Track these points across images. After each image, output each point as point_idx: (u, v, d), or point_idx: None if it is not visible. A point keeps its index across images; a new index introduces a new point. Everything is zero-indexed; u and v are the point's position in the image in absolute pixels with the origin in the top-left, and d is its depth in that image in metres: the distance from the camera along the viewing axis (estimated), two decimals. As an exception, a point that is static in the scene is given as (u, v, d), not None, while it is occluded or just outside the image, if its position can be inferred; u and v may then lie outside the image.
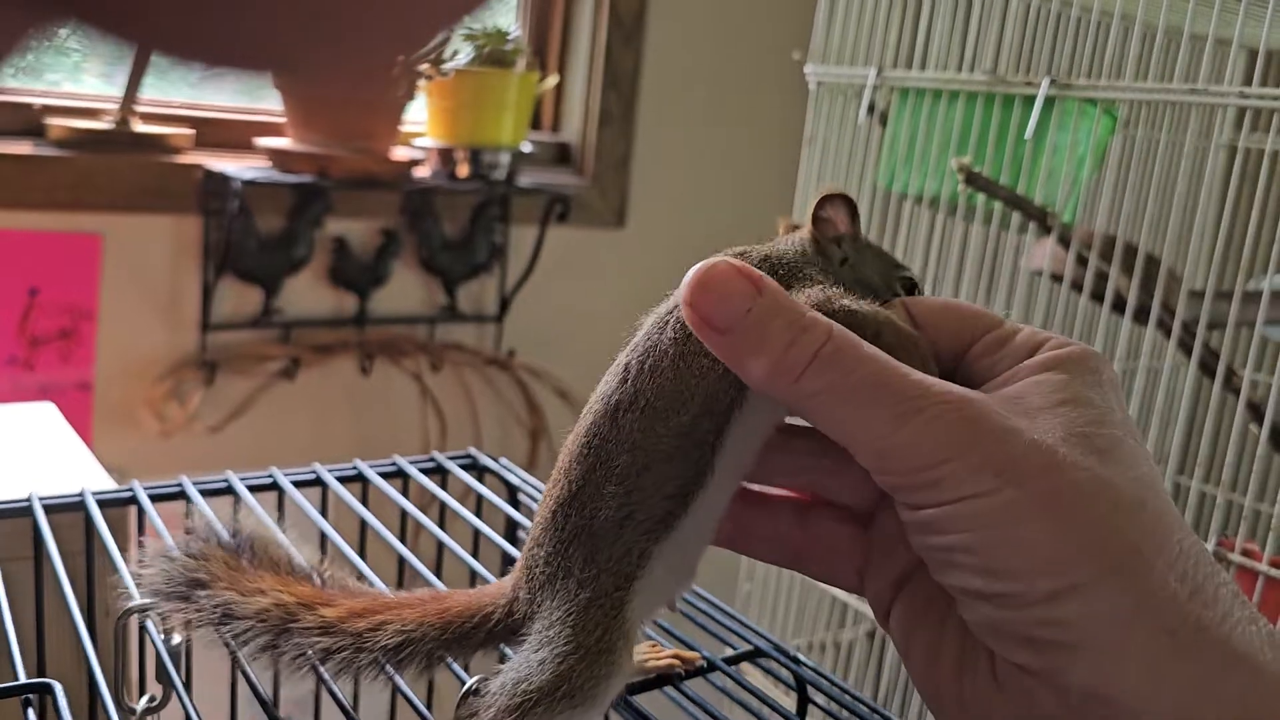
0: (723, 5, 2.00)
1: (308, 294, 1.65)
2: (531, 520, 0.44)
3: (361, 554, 0.66)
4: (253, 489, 0.70)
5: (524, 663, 0.40)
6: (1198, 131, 1.09)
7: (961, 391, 0.33)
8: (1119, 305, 1.03)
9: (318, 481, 0.73)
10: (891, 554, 0.39)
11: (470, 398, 1.81)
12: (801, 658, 0.59)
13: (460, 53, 1.63)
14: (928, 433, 0.32)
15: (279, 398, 1.63)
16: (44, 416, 1.06)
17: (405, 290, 1.74)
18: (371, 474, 0.75)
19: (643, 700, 0.53)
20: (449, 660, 0.45)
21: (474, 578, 0.67)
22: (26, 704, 0.47)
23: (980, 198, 0.98)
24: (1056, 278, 1.11)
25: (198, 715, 0.50)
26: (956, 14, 1.05)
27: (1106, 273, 0.94)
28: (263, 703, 0.52)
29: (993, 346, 0.37)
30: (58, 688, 0.48)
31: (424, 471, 0.78)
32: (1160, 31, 0.95)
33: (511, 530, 0.75)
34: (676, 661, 0.55)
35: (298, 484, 0.72)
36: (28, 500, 0.67)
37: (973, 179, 0.93)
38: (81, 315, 1.53)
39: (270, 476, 0.72)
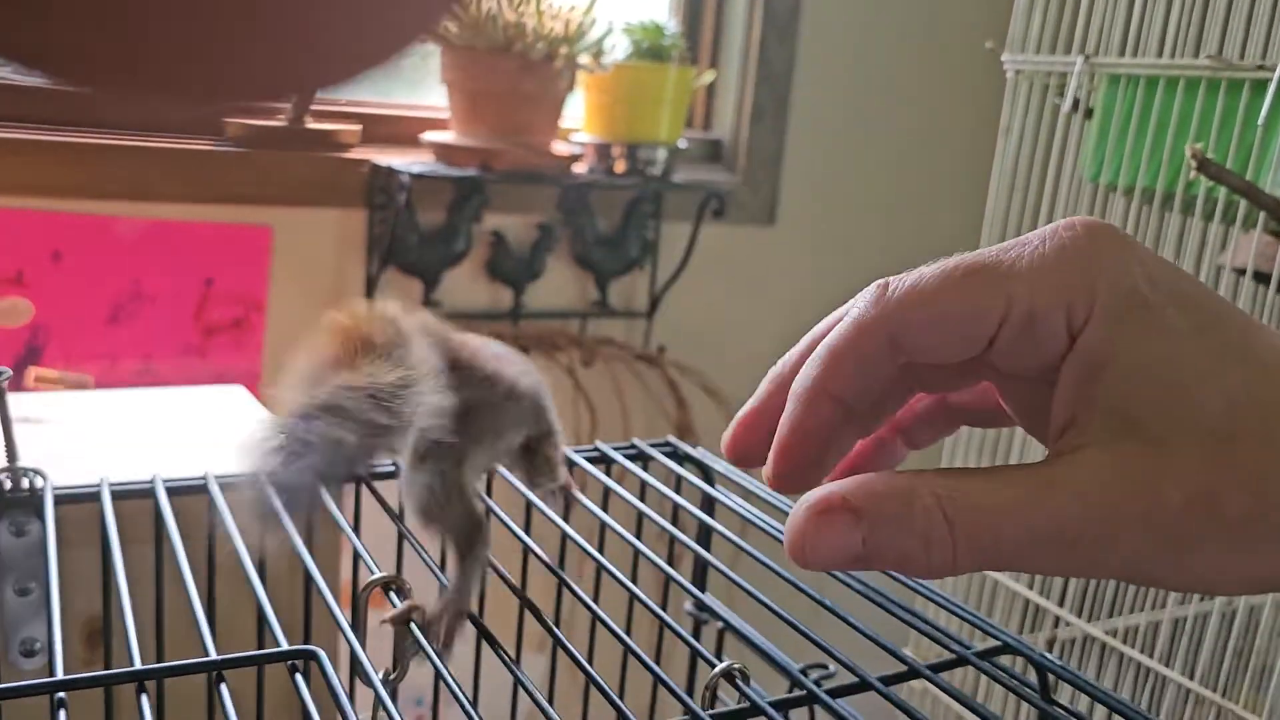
0: (878, -1, 1.97)
1: (466, 287, 1.67)
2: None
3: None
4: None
5: None
6: None
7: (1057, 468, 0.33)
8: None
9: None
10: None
11: (620, 392, 1.81)
12: (1047, 655, 0.57)
13: (618, 47, 1.63)
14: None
15: (437, 389, 1.65)
16: (237, 398, 1.09)
17: (559, 285, 1.75)
18: (577, 458, 0.76)
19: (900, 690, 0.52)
20: None
21: (672, 545, 0.72)
22: (294, 669, 0.48)
23: (1200, 189, 0.94)
24: (1259, 276, 1.05)
25: (453, 679, 0.50)
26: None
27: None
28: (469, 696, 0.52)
29: (1019, 335, 0.34)
30: (322, 654, 0.49)
31: (627, 457, 0.79)
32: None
33: (709, 505, 0.76)
34: None
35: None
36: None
37: (1205, 166, 0.89)
38: (252, 305, 1.57)
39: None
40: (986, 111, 1.30)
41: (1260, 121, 0.90)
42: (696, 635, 0.84)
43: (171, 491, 0.66)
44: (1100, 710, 0.57)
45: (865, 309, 0.35)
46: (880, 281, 0.35)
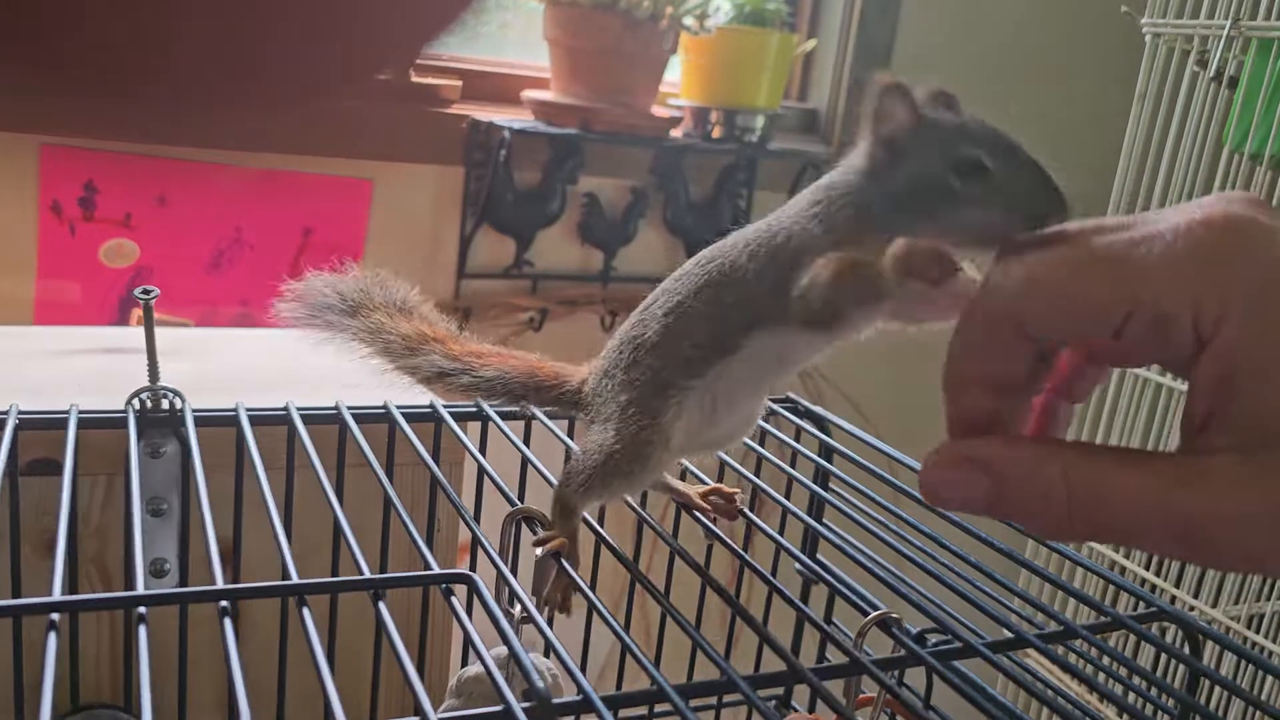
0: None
1: (558, 248, 1.67)
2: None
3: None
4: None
5: (585, 446, 0.54)
6: None
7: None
8: None
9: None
10: None
11: (706, 361, 1.81)
12: (1201, 622, 0.55)
13: (721, 10, 1.61)
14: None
15: (525, 346, 1.65)
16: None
17: (648, 250, 1.74)
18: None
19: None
20: (528, 404, 0.62)
21: (790, 485, 0.72)
22: (449, 592, 0.48)
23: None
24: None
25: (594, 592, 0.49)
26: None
27: None
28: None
29: (1146, 333, 0.33)
30: (478, 579, 0.48)
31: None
32: None
33: (827, 452, 0.77)
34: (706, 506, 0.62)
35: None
36: (383, 408, 0.69)
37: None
38: (349, 257, 1.59)
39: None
40: (1113, 80, 1.26)
41: None
42: (805, 598, 0.83)
43: (305, 419, 0.66)
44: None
45: (989, 297, 0.36)
46: (1000, 255, 0.37)
